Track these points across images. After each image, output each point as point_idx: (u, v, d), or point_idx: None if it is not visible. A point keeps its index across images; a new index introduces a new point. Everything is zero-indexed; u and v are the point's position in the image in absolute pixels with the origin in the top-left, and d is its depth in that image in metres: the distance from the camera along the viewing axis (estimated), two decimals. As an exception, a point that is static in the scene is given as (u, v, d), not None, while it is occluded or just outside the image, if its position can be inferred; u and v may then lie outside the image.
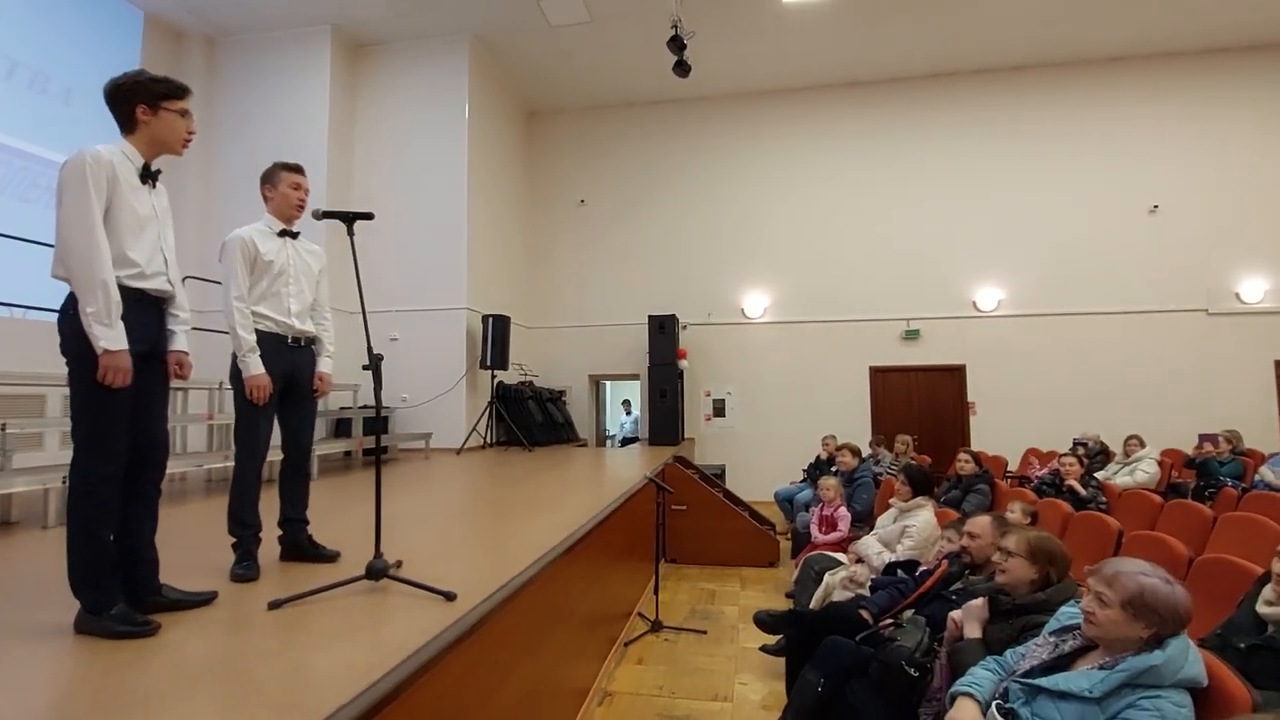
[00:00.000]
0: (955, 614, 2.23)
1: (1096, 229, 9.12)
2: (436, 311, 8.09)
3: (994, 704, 1.78)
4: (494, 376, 8.28)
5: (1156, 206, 8.99)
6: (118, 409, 1.89)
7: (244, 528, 2.56)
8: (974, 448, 8.57)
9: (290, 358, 2.76)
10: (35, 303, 6.25)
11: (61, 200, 1.88)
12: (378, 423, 2.41)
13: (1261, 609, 2.13)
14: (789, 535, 6.42)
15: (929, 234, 9.55)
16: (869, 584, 3.46)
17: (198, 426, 6.13)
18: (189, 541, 3.18)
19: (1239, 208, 8.90)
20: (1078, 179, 9.25)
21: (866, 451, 7.53)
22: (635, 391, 10.88)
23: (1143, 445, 6.66)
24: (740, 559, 5.85)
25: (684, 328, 9.76)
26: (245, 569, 2.47)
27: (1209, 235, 8.91)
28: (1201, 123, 9.05)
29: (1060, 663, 1.79)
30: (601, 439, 11.10)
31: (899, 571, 3.40)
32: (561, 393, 10.00)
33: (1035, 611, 2.09)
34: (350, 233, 2.38)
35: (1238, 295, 8.79)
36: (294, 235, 2.85)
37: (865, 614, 2.81)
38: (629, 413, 11.95)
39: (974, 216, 9.48)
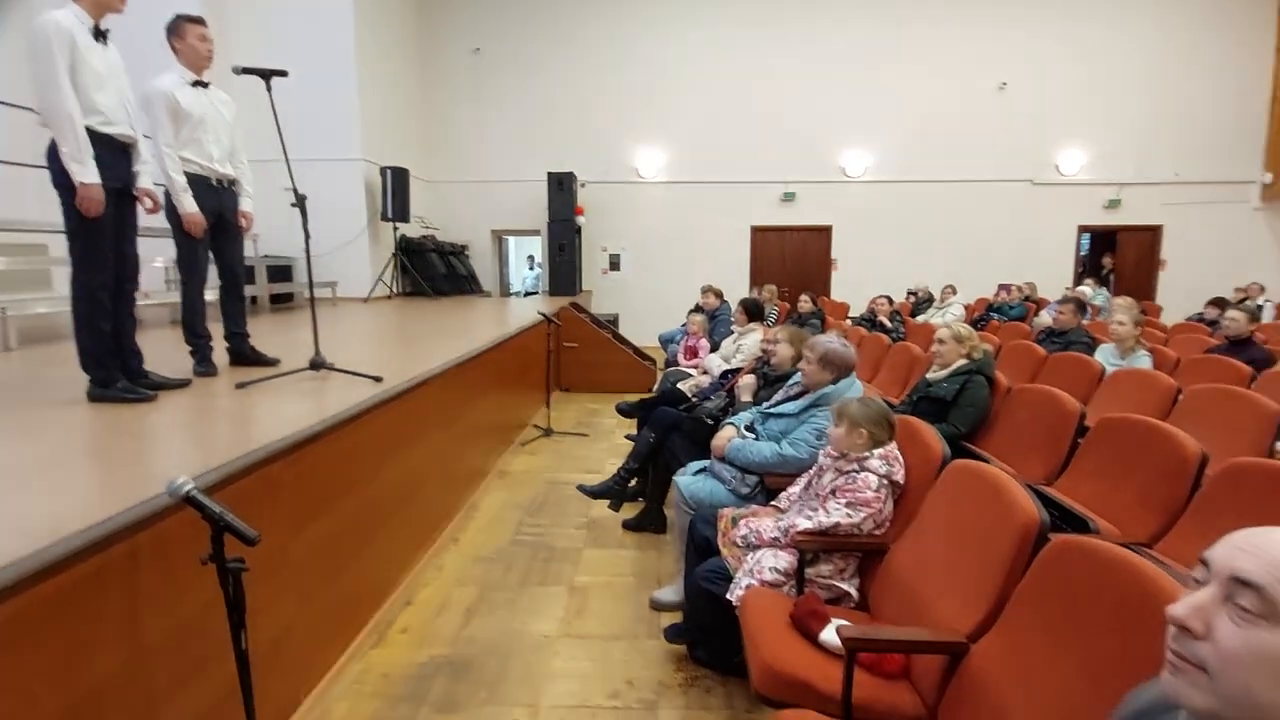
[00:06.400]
0: (738, 383, 3.26)
1: (953, 102, 10.11)
2: (331, 162, 8.10)
3: (742, 425, 2.83)
4: (396, 229, 8.57)
5: (1005, 83, 10.01)
6: (101, 231, 2.41)
7: (198, 337, 3.17)
8: (834, 297, 9.95)
9: (217, 198, 3.21)
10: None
11: (33, 61, 2.26)
12: (306, 248, 3.00)
13: (928, 375, 3.29)
14: (665, 367, 7.54)
15: (807, 103, 10.23)
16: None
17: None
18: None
19: (1074, 85, 10.08)
20: (939, 55, 10.06)
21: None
22: (537, 247, 11.40)
23: (954, 293, 8.13)
24: (622, 386, 6.91)
25: (582, 185, 10.20)
26: (206, 368, 3.12)
27: (1045, 111, 10.11)
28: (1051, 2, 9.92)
29: (786, 400, 2.84)
30: (505, 292, 11.70)
31: (730, 375, 4.48)
32: (464, 247, 10.39)
33: (788, 379, 3.12)
34: (268, 88, 2.81)
35: (1057, 167, 10.23)
36: (205, 85, 3.19)
37: (691, 396, 3.87)
38: (532, 268, 12.52)
39: (846, 87, 10.19)
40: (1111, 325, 4.36)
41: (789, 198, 10.45)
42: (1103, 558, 1.27)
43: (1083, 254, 10.80)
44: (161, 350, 3.52)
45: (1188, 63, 9.99)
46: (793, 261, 10.66)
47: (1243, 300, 8.37)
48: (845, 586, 2.09)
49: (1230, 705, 0.66)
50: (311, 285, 3.27)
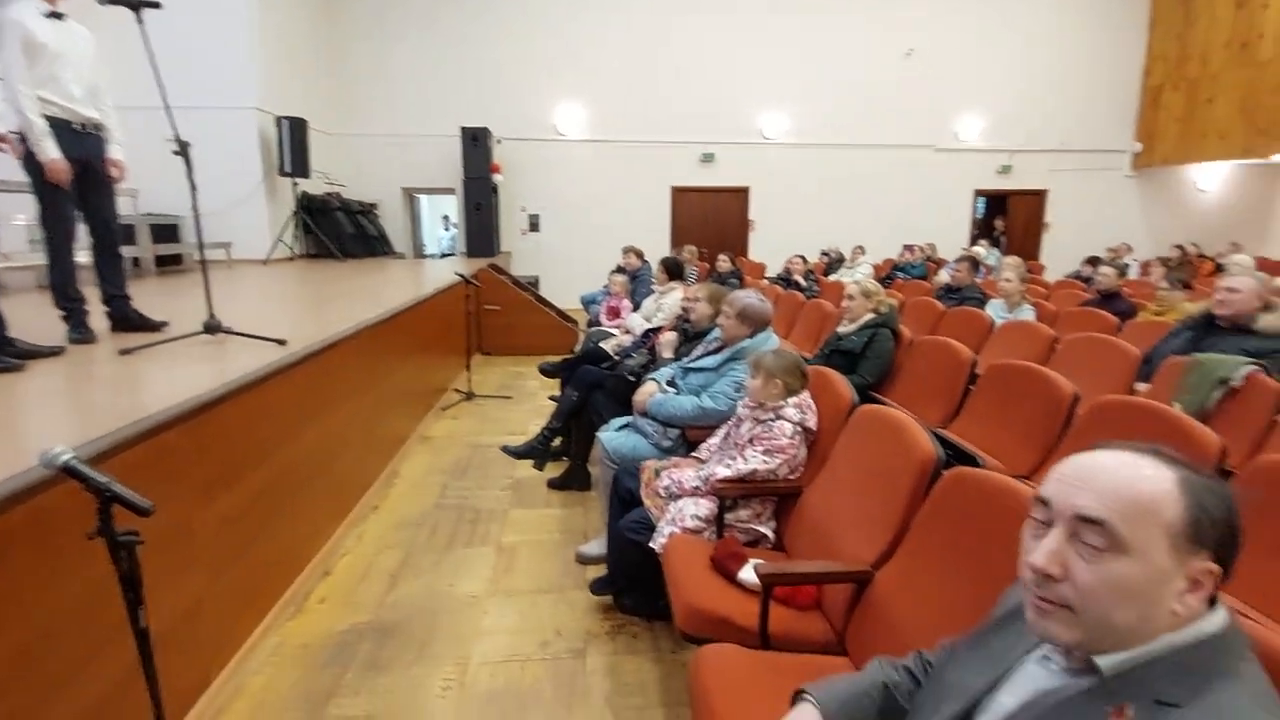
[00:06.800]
0: (659, 340, 3.31)
1: (862, 68, 10.37)
2: (220, 110, 7.41)
3: (663, 381, 2.88)
4: (296, 184, 8.01)
5: (911, 50, 10.35)
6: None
7: (70, 300, 2.88)
8: (751, 258, 10.16)
9: (82, 144, 2.89)
10: None
11: None
12: (193, 201, 2.76)
13: (838, 329, 3.44)
14: (587, 328, 7.51)
15: (726, 64, 10.21)
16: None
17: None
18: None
19: (972, 54, 10.53)
20: (850, 19, 10.25)
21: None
22: (452, 207, 10.97)
23: (863, 253, 8.50)
24: (545, 348, 6.85)
25: (498, 142, 9.83)
26: (83, 334, 2.85)
27: (947, 78, 10.54)
28: (957, -29, 10.28)
29: (706, 355, 2.91)
30: (420, 253, 11.23)
31: (652, 334, 4.52)
32: (373, 205, 9.85)
33: (708, 335, 3.19)
34: (139, 20, 2.53)
35: (956, 134, 10.75)
36: (60, 16, 2.83)
37: (613, 355, 3.90)
38: (447, 228, 12.06)
39: (764, 49, 10.23)
40: (1000, 282, 4.71)
41: (708, 159, 10.49)
42: (987, 485, 1.39)
43: (978, 216, 11.48)
44: (29, 317, 3.18)
45: (1073, 37, 10.65)
46: (712, 222, 10.77)
47: (1113, 259, 9.19)
48: (762, 529, 2.19)
49: (1093, 633, 0.73)
50: (201, 243, 3.02)
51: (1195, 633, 0.72)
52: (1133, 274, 8.59)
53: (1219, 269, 8.01)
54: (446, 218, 12.34)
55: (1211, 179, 11.23)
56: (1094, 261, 7.81)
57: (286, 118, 7.73)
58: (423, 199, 11.76)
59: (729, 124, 10.41)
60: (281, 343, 2.74)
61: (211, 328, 2.80)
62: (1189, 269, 7.00)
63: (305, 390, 2.74)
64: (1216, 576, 0.73)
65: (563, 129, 10.25)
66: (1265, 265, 7.80)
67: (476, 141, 9.16)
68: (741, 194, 10.76)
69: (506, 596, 2.61)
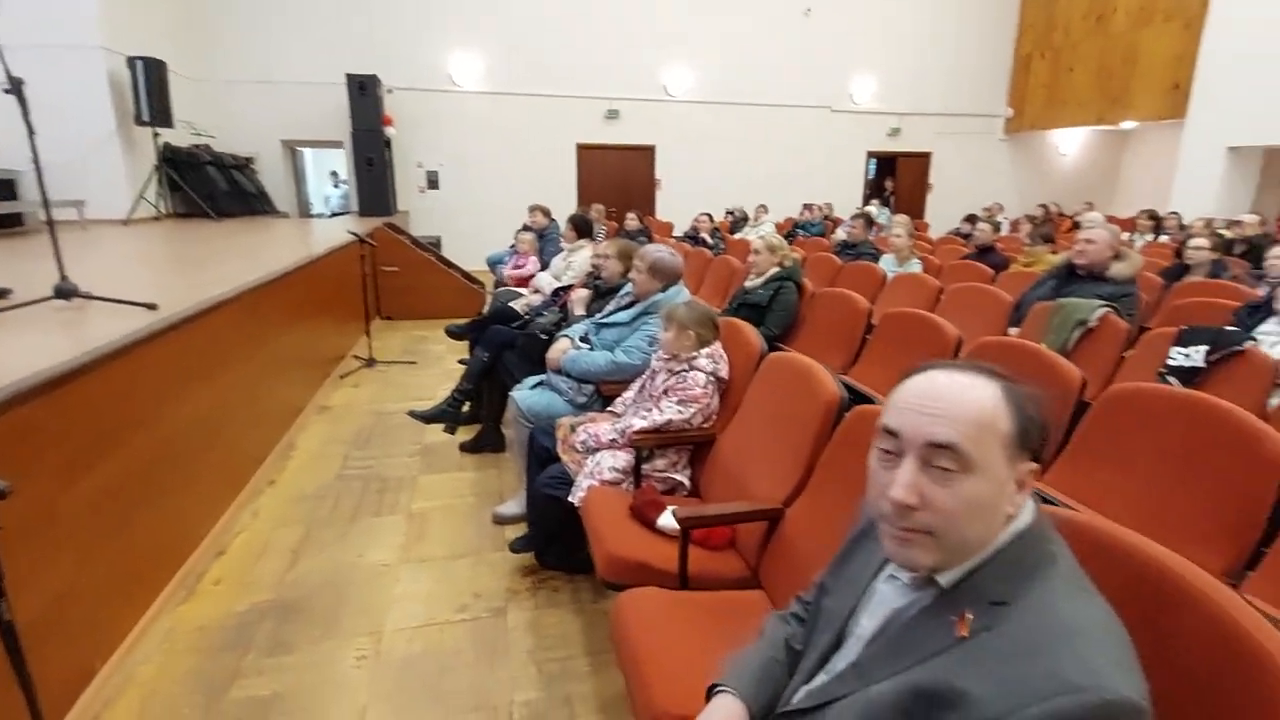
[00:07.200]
0: (571, 297, 3.27)
1: (763, 26, 10.45)
2: (58, 49, 6.46)
3: (576, 337, 2.86)
4: (157, 135, 7.17)
5: (809, 10, 10.53)
6: None
7: (-121, 263, 2.46)
8: (658, 216, 10.18)
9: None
10: None
11: None
12: (32, 147, 2.41)
13: (745, 284, 3.54)
14: (494, 289, 7.30)
15: (630, 15, 9.98)
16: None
17: None
18: None
19: (866, 17, 10.84)
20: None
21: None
22: (340, 162, 10.24)
23: (766, 212, 8.72)
24: (450, 312, 6.60)
25: (389, 91, 9.20)
26: (-103, 301, 2.45)
27: (842, 40, 10.82)
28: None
29: (618, 310, 2.90)
30: (305, 212, 10.44)
31: (562, 293, 4.45)
32: (249, 159, 9.02)
33: (620, 290, 3.18)
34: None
35: (852, 96, 11.12)
36: None
37: (523, 314, 3.82)
38: (336, 185, 11.27)
39: (668, 2, 10.06)
40: (891, 239, 4.98)
41: (613, 115, 10.31)
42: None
43: (870, 177, 12.02)
44: None
45: (956, 3, 11.18)
46: (618, 180, 10.66)
47: (989, 217, 9.92)
48: (679, 477, 2.25)
49: (952, 553, 0.78)
50: (46, 200, 2.63)
51: (1013, 530, 0.79)
52: (1004, 231, 9.32)
53: (1076, 226, 8.83)
54: (335, 174, 11.49)
55: (1071, 143, 12.28)
56: (972, 220, 8.41)
57: (140, 58, 6.86)
58: (306, 153, 10.90)
59: (634, 79, 10.24)
60: (152, 307, 2.48)
61: (65, 292, 2.49)
62: (1051, 226, 7.67)
63: (182, 358, 2.52)
64: (1037, 474, 0.80)
65: (459, 79, 9.73)
66: (1113, 222, 8.68)
67: (364, 90, 8.52)
68: (648, 152, 10.69)
69: (420, 563, 2.55)
